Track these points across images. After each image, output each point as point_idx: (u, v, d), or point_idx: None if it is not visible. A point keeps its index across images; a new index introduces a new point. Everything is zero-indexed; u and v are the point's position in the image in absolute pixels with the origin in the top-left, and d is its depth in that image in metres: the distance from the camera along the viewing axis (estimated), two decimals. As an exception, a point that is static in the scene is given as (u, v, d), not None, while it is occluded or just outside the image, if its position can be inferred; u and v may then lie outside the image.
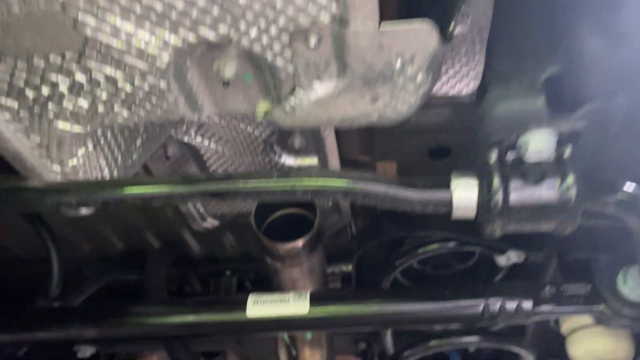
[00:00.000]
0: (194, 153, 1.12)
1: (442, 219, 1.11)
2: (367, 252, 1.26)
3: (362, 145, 1.14)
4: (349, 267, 1.51)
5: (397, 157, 1.16)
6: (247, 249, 1.58)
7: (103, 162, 0.85)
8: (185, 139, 1.08)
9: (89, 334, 0.87)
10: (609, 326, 0.88)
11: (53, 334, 0.85)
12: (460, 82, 0.85)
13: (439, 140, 1.09)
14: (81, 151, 0.81)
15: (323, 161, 1.10)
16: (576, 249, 0.86)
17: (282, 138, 1.09)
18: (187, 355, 1.08)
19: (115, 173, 0.87)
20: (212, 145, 1.10)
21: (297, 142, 1.11)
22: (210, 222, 1.39)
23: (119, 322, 0.89)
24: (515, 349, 1.05)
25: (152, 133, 0.92)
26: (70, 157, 0.80)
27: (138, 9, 0.60)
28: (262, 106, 0.74)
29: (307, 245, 1.10)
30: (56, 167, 0.80)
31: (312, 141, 1.08)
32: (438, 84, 0.88)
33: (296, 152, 1.13)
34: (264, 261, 1.15)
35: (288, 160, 1.14)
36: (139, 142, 0.91)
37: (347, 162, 1.16)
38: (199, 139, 1.08)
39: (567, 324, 1.10)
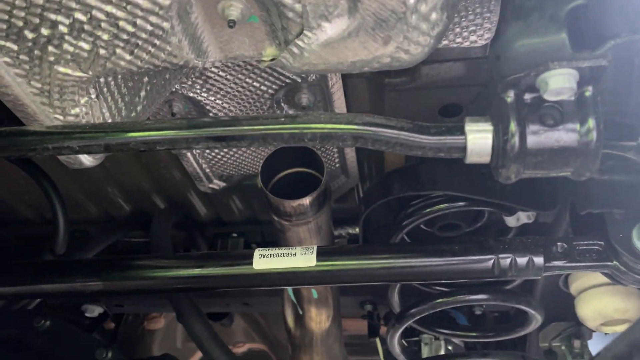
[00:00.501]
0: (200, 109, 1.09)
1: (451, 180, 1.09)
2: (374, 213, 1.24)
3: (371, 102, 1.11)
4: (355, 230, 1.50)
5: (407, 115, 1.13)
6: (253, 212, 1.57)
7: (106, 113, 0.83)
8: (191, 94, 1.06)
9: (96, 287, 0.86)
10: (621, 283, 0.86)
11: (60, 286, 0.85)
12: (474, 33, 0.81)
13: (450, 98, 1.06)
14: (84, 100, 0.78)
15: (331, 117, 1.07)
16: (590, 204, 0.83)
17: (289, 94, 1.07)
18: (193, 311, 1.08)
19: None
20: (218, 101, 1.07)
21: (305, 98, 1.08)
22: (217, 184, 1.37)
23: (125, 275, 0.88)
24: (523, 307, 1.03)
25: (156, 85, 0.90)
26: (73, 105, 0.78)
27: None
28: (269, 50, 0.71)
29: (314, 202, 1.08)
30: (58, 116, 0.78)
31: (320, 98, 1.06)
32: (450, 35, 0.84)
33: (303, 109, 1.10)
34: (271, 220, 1.14)
35: (295, 117, 1.11)
36: (143, 93, 0.88)
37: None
38: (204, 94, 1.06)
39: (576, 284, 1.08)
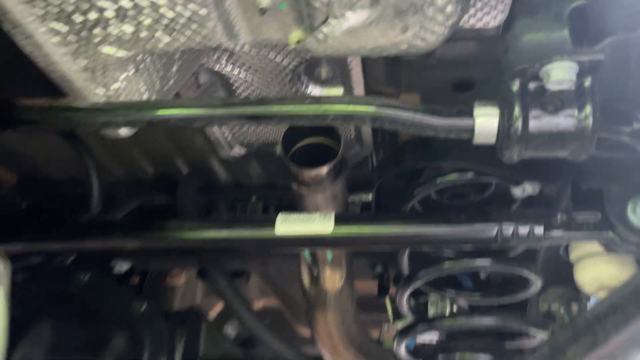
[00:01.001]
0: (224, 81, 1.16)
1: (461, 152, 1.16)
2: (387, 182, 1.32)
3: (387, 77, 1.17)
4: (368, 197, 1.57)
5: (421, 89, 1.20)
6: (271, 177, 1.65)
7: (142, 87, 0.90)
8: (216, 67, 1.12)
9: (133, 246, 0.95)
10: (616, 252, 0.94)
11: (102, 244, 0.94)
12: (488, 14, 0.86)
13: (464, 74, 1.12)
14: (123, 75, 0.86)
15: (349, 92, 1.14)
16: (589, 179, 0.90)
17: (310, 68, 1.13)
18: (217, 269, 1.18)
19: (152, 98, 0.92)
20: (242, 74, 1.14)
21: (324, 72, 1.14)
22: (237, 150, 1.45)
23: (157, 236, 0.97)
24: (525, 273, 1.11)
25: (187, 60, 0.96)
26: (113, 81, 0.86)
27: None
28: (295, 34, 0.77)
29: (331, 172, 1.16)
30: (100, 90, 0.86)
31: (339, 72, 1.12)
32: (465, 16, 0.90)
33: (323, 83, 1.16)
34: (290, 187, 1.22)
35: (315, 90, 1.17)
36: (175, 68, 0.95)
37: (372, 93, 1.20)
38: (229, 67, 1.12)
39: (576, 252, 1.16)
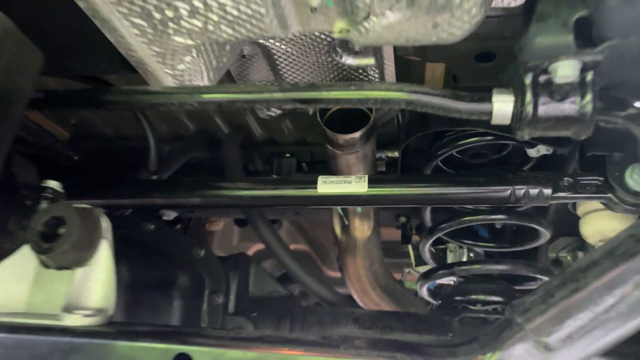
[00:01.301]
0: (266, 53, 1.29)
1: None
2: (412, 141, 1.46)
3: (415, 48, 1.29)
4: (394, 153, 1.72)
5: (446, 59, 1.32)
6: (303, 135, 1.80)
7: (202, 66, 1.05)
8: (260, 40, 1.25)
9: (195, 202, 1.13)
10: (615, 211, 1.08)
11: (169, 200, 1.12)
12: (510, -4, 0.98)
13: (486, 46, 1.24)
14: (188, 58, 1.00)
15: (380, 62, 1.26)
16: (594, 147, 1.04)
17: (344, 41, 1.25)
18: (262, 219, 1.35)
19: (210, 75, 1.07)
20: (283, 46, 1.26)
21: (357, 45, 1.26)
22: (274, 111, 1.59)
23: (217, 193, 1.14)
24: (535, 226, 1.27)
25: (237, 40, 1.10)
26: (180, 62, 1.00)
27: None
28: (339, 24, 0.90)
29: (363, 136, 1.30)
30: (168, 70, 1.01)
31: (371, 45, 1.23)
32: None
33: (356, 54, 1.28)
34: (325, 148, 1.37)
35: (348, 60, 1.29)
36: (228, 47, 1.09)
37: (401, 62, 1.32)
38: (271, 40, 1.25)
39: (582, 208, 1.31)
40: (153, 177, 1.44)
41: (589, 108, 0.77)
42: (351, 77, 1.33)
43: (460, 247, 1.59)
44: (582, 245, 1.49)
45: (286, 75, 1.32)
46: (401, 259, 2.18)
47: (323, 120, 1.34)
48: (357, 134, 1.28)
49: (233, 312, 1.24)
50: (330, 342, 0.70)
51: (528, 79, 0.77)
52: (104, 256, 0.85)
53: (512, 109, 0.80)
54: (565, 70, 0.74)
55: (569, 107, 0.77)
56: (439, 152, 1.35)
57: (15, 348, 0.74)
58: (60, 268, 0.84)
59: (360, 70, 1.27)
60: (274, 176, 1.65)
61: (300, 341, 0.72)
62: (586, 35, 0.72)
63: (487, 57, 1.25)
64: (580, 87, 0.76)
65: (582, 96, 0.76)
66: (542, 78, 0.77)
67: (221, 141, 1.51)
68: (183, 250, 1.26)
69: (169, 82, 1.02)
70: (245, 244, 2.50)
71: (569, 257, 1.55)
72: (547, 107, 0.78)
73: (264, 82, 1.38)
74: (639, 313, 0.60)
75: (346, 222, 1.56)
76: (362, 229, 1.56)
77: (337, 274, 2.60)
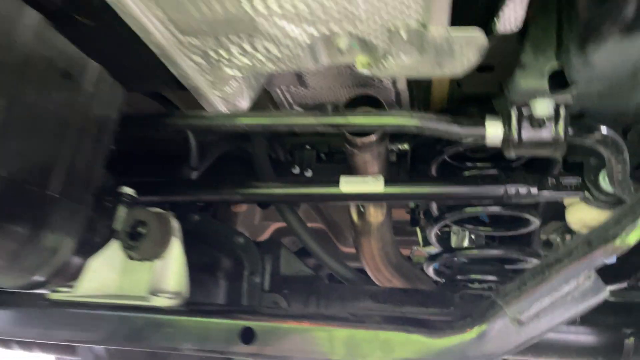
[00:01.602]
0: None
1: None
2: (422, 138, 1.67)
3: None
4: (404, 146, 1.93)
5: (450, 70, 1.51)
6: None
7: (244, 88, 1.26)
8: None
9: (237, 198, 1.36)
10: (591, 205, 1.30)
11: (216, 197, 1.35)
12: (510, 24, 1.18)
13: (487, 60, 1.43)
14: (234, 83, 1.21)
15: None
16: (574, 153, 1.25)
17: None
18: (289, 211, 1.58)
19: (251, 93, 1.28)
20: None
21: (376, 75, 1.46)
22: (296, 109, 1.80)
23: (255, 192, 1.37)
24: (526, 216, 1.49)
25: (273, 62, 1.30)
26: (227, 86, 1.21)
27: (293, 15, 0.96)
28: (362, 60, 1.10)
29: (378, 138, 1.52)
30: (217, 93, 1.22)
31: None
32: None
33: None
34: (344, 147, 1.59)
35: (365, 71, 1.49)
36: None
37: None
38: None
39: (567, 199, 1.53)
40: (194, 172, 1.67)
41: (561, 134, 0.98)
42: (367, 83, 1.53)
43: (463, 230, 1.81)
44: (569, 229, 1.72)
45: (310, 81, 1.52)
46: (409, 237, 2.42)
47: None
48: (373, 137, 1.49)
49: (268, 289, 1.48)
50: (357, 318, 0.94)
51: (514, 112, 0.98)
52: (176, 250, 1.09)
53: (502, 134, 1.02)
54: (542, 107, 0.95)
55: (545, 134, 0.99)
56: (445, 150, 1.56)
57: (118, 322, 0.98)
58: (142, 260, 1.07)
59: (376, 79, 1.47)
60: (297, 170, 1.88)
61: (333, 317, 0.96)
62: (557, 83, 0.93)
63: (487, 68, 1.45)
64: (554, 119, 0.97)
65: (556, 126, 0.98)
66: (525, 111, 0.98)
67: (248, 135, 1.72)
68: (225, 238, 1.50)
69: (217, 101, 1.23)
70: (266, 223, 2.75)
71: (558, 239, 1.78)
72: (529, 134, 0.99)
73: (290, 87, 1.58)
74: (588, 298, 0.83)
75: (362, 210, 1.79)
76: (376, 215, 1.79)
77: (350, 250, 2.86)
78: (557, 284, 0.86)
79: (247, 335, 0.93)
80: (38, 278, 0.98)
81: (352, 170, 1.62)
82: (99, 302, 1.04)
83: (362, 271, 2.00)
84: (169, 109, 1.62)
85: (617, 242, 0.80)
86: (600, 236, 0.84)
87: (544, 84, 0.92)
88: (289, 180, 1.44)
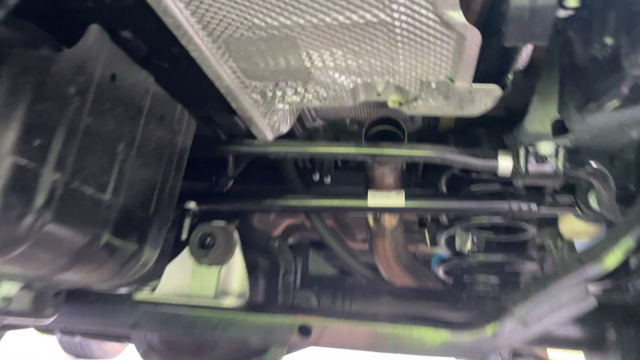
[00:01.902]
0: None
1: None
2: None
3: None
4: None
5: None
6: (336, 134, 2.22)
7: (287, 116, 1.47)
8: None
9: (266, 207, 1.58)
10: (580, 219, 1.55)
11: (252, 206, 1.57)
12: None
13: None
14: (280, 113, 1.43)
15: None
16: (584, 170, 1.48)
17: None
18: (317, 219, 1.80)
19: (292, 119, 1.50)
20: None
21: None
22: (319, 122, 2.02)
23: (289, 203, 1.59)
24: (524, 225, 1.73)
25: (311, 92, 1.52)
26: (275, 115, 1.43)
27: (344, 68, 1.17)
28: (394, 98, 1.32)
29: (397, 155, 1.74)
30: (266, 121, 1.43)
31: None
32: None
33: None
34: (366, 160, 1.81)
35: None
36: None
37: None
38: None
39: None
40: (230, 181, 1.88)
41: (560, 169, 1.22)
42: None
43: (466, 234, 2.05)
44: (561, 234, 1.96)
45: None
46: (415, 234, 2.66)
47: (365, 137, 1.77)
48: (393, 155, 1.71)
49: (300, 287, 1.71)
50: (394, 317, 1.17)
51: (522, 151, 1.21)
52: (238, 257, 1.31)
53: (511, 167, 1.25)
54: (545, 148, 1.18)
55: (547, 168, 1.22)
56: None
57: (195, 319, 1.20)
58: (210, 265, 1.29)
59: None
60: (317, 176, 2.10)
61: (375, 315, 1.19)
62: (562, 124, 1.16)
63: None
64: (555, 156, 1.20)
65: (556, 162, 1.21)
66: (531, 149, 1.21)
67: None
68: (263, 241, 1.72)
69: (265, 128, 1.45)
70: (280, 220, 2.97)
71: (551, 243, 2.03)
72: (533, 168, 1.23)
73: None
74: (578, 304, 1.07)
75: (378, 215, 2.02)
76: (390, 220, 2.02)
77: (357, 245, 3.09)
78: (555, 293, 1.10)
79: (305, 330, 1.15)
80: (130, 282, 1.20)
81: (369, 179, 1.84)
82: (177, 301, 1.26)
83: (373, 267, 2.24)
84: (211, 126, 1.82)
85: (602, 262, 1.04)
86: (589, 256, 1.08)
87: (547, 130, 1.15)
88: (321, 192, 1.66)
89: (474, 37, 0.99)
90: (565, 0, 0.83)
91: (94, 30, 0.91)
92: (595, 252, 1.08)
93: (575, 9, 0.86)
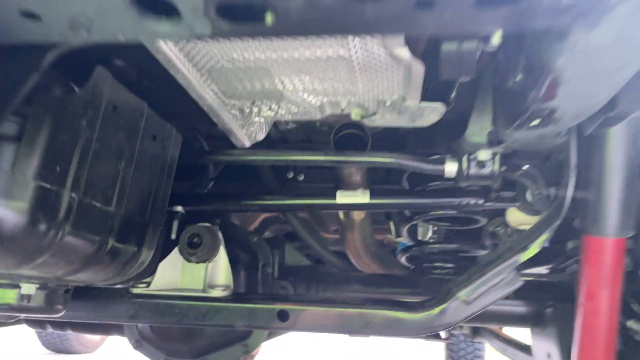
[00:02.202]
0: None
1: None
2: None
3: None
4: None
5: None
6: (308, 135, 2.42)
7: (264, 126, 1.66)
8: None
9: (253, 207, 1.77)
10: (522, 211, 1.78)
11: (232, 206, 1.76)
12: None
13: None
14: (256, 124, 1.61)
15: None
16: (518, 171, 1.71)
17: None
18: (291, 215, 2.00)
19: (267, 128, 1.68)
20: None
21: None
22: (292, 125, 2.20)
23: (265, 202, 1.79)
24: (475, 216, 1.96)
25: (284, 104, 1.70)
26: (251, 127, 1.61)
27: (312, 90, 1.36)
28: (356, 112, 1.52)
29: (363, 157, 1.94)
30: (243, 132, 1.62)
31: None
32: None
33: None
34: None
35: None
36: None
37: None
38: (301, 94, 1.85)
39: (507, 204, 2.00)
40: (211, 183, 2.06)
41: (496, 172, 1.44)
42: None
43: (427, 225, 2.28)
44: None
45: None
46: (382, 225, 2.88)
47: (333, 141, 1.97)
48: (358, 157, 1.91)
49: (277, 277, 1.91)
50: (359, 301, 1.38)
51: (465, 156, 1.43)
52: (222, 254, 1.50)
53: (456, 170, 1.46)
54: (483, 155, 1.40)
55: (485, 171, 1.44)
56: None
57: (187, 309, 1.39)
58: (198, 262, 1.48)
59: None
60: (291, 174, 2.29)
61: (343, 300, 1.40)
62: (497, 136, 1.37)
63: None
64: (491, 161, 1.42)
65: (492, 166, 1.43)
66: (472, 156, 1.43)
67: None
68: (243, 237, 1.91)
69: (243, 138, 1.63)
70: (257, 214, 3.16)
71: (501, 231, 2.27)
72: (474, 171, 1.44)
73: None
74: (510, 286, 1.30)
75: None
76: (358, 214, 2.23)
77: (329, 236, 3.31)
78: (491, 277, 1.32)
79: (283, 316, 1.36)
80: (128, 279, 1.38)
81: (338, 178, 2.04)
82: (170, 294, 1.45)
83: (344, 256, 2.46)
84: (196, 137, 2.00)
85: (525, 252, 1.27)
86: (518, 245, 1.30)
87: (484, 141, 1.37)
88: (295, 193, 1.85)
89: (418, 68, 1.19)
90: (488, 40, 1.03)
91: (100, 71, 1.08)
92: (522, 243, 1.30)
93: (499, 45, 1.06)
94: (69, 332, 2.63)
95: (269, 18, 0.71)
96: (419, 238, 2.22)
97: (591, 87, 0.88)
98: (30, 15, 0.73)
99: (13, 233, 0.93)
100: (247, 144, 1.68)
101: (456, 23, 0.69)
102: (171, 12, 0.72)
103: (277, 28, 0.72)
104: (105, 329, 2.13)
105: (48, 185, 0.97)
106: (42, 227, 0.97)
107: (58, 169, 0.98)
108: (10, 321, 2.24)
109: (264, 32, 0.74)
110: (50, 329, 2.28)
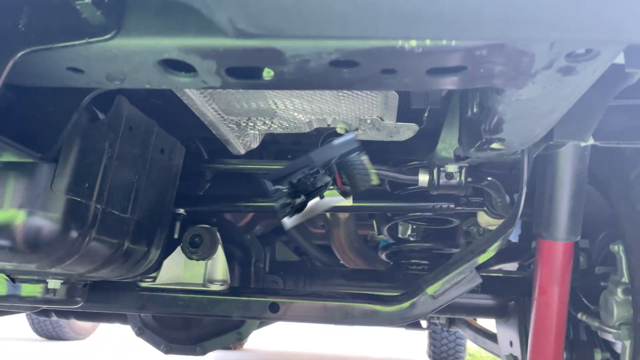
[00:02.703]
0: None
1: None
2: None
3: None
4: (365, 158, 2.56)
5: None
6: (298, 138, 2.61)
7: (258, 135, 1.85)
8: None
9: (246, 209, 1.96)
10: (489, 215, 2.00)
11: (227, 208, 1.95)
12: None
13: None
14: (251, 135, 1.80)
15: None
16: (479, 182, 1.92)
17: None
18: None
19: (261, 137, 1.87)
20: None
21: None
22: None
23: (258, 205, 1.98)
24: (449, 218, 2.18)
25: (276, 116, 1.90)
26: (246, 137, 1.80)
27: (301, 110, 1.55)
28: (340, 126, 1.71)
29: (347, 163, 2.14)
30: (240, 141, 1.81)
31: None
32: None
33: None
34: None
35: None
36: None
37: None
38: (291, 106, 2.04)
39: (478, 207, 2.22)
40: (207, 184, 2.25)
41: (463, 182, 1.65)
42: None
43: (407, 223, 2.49)
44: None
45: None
46: (367, 221, 3.09)
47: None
48: (343, 164, 2.11)
49: (268, 272, 2.11)
50: (341, 295, 1.59)
51: (435, 169, 1.63)
52: (220, 252, 1.70)
53: (427, 181, 1.67)
54: (451, 168, 1.61)
55: (453, 181, 1.65)
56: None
57: (189, 301, 1.59)
58: (199, 260, 1.68)
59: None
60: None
61: (328, 294, 1.61)
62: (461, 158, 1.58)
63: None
64: (459, 173, 1.63)
65: (460, 177, 1.63)
66: (442, 169, 1.63)
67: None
68: (237, 234, 2.11)
69: (239, 146, 1.82)
70: (244, 214, 3.35)
71: (475, 230, 2.49)
72: (444, 181, 1.65)
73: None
74: (470, 283, 1.51)
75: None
76: (344, 213, 2.44)
77: (317, 230, 3.51)
78: (455, 276, 1.53)
79: (274, 307, 1.56)
80: (137, 274, 1.58)
81: (327, 183, 2.24)
82: (174, 287, 1.64)
83: (329, 251, 2.66)
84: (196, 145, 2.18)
85: (483, 255, 1.48)
86: (477, 249, 1.51)
87: (452, 156, 1.57)
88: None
89: (394, 96, 1.39)
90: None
91: (121, 100, 1.27)
92: (481, 247, 1.51)
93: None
94: (62, 320, 2.80)
95: (267, 76, 0.90)
96: (399, 236, 2.43)
97: (528, 125, 1.08)
98: (76, 70, 0.92)
99: (49, 239, 1.12)
100: (243, 151, 1.87)
101: (414, 84, 0.89)
102: (189, 69, 0.91)
103: (273, 83, 0.92)
104: (109, 318, 2.32)
105: (78, 199, 1.16)
106: (73, 234, 1.16)
107: (86, 184, 1.17)
108: (12, 311, 2.42)
109: (263, 85, 0.93)
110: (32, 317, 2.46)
